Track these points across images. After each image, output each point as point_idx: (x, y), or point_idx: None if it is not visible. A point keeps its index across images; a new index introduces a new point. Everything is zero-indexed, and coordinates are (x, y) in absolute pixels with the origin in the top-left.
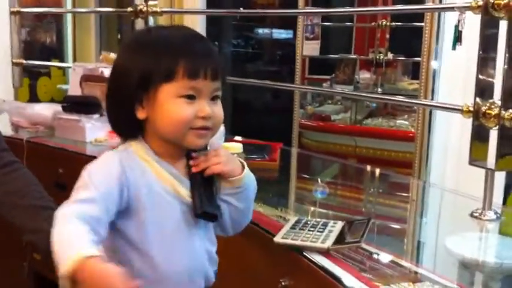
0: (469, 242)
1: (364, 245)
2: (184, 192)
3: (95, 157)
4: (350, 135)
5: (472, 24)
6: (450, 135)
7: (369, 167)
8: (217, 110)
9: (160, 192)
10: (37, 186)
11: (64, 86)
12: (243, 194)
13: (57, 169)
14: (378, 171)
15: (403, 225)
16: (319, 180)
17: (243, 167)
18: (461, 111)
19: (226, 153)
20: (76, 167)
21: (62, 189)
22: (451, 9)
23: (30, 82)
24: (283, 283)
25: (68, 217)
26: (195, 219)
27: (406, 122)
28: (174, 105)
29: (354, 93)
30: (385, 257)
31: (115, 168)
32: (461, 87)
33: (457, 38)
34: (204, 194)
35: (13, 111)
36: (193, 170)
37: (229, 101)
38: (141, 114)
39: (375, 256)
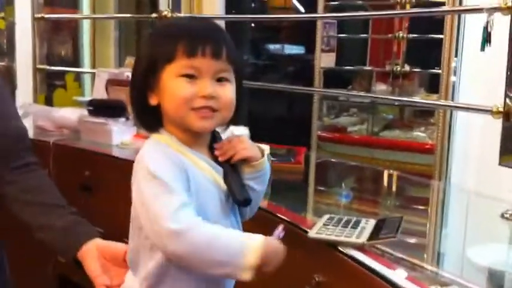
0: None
1: (388, 249)
2: (220, 179)
3: (121, 159)
4: (367, 147)
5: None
6: (471, 146)
7: (395, 172)
8: (223, 91)
9: (203, 182)
10: (52, 187)
11: (80, 98)
12: (262, 177)
13: (84, 171)
14: (404, 176)
15: (432, 229)
16: (343, 184)
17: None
18: (490, 112)
19: (247, 139)
20: (102, 169)
21: (87, 191)
22: (479, 10)
23: (46, 94)
24: (316, 279)
25: (198, 223)
26: (230, 206)
27: (424, 134)
28: (174, 84)
29: (380, 96)
30: (411, 260)
31: (176, 168)
32: (483, 96)
33: (486, 39)
34: (238, 180)
35: (38, 114)
36: (221, 158)
37: (244, 113)
38: (153, 101)
39: (400, 259)
